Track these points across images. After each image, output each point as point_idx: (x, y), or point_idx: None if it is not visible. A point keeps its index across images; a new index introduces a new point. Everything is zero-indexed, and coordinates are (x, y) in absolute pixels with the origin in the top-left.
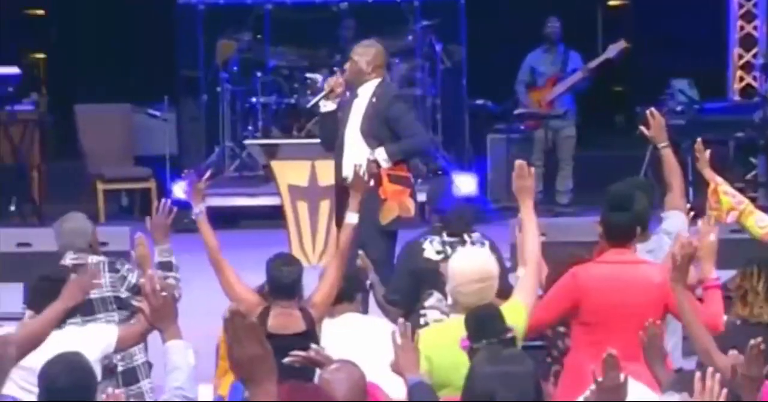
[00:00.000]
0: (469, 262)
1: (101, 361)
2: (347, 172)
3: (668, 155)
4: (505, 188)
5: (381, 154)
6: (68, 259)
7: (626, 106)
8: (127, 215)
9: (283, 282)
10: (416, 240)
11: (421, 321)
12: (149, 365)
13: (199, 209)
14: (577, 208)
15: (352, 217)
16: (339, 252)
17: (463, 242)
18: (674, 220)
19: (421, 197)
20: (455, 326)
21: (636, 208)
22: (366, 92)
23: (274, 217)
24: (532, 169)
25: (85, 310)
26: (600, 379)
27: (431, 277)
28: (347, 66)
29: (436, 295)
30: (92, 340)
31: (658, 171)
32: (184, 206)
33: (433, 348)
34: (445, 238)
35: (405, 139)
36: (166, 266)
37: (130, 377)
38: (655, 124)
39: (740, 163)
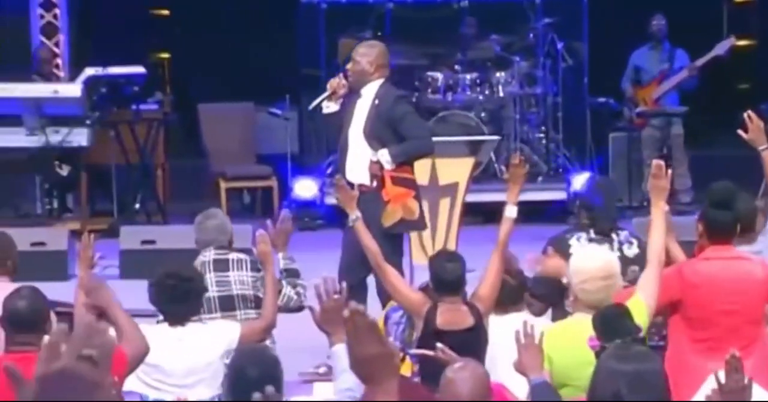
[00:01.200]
0: (594, 260)
1: (224, 358)
2: (351, 174)
3: None
4: (627, 187)
5: (384, 156)
6: (211, 255)
7: (751, 103)
8: (248, 213)
9: (448, 278)
10: (562, 236)
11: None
12: None
13: (355, 215)
14: (700, 206)
15: (511, 211)
16: (499, 245)
17: (611, 240)
18: None
19: (541, 195)
20: (577, 325)
21: (738, 206)
22: (369, 93)
23: None
24: (669, 171)
25: (226, 305)
26: (723, 381)
27: None
28: (349, 66)
29: None
30: (216, 336)
31: None
32: (304, 205)
33: (554, 347)
34: (592, 235)
35: (408, 140)
36: (292, 273)
37: None
38: (753, 128)
39: None
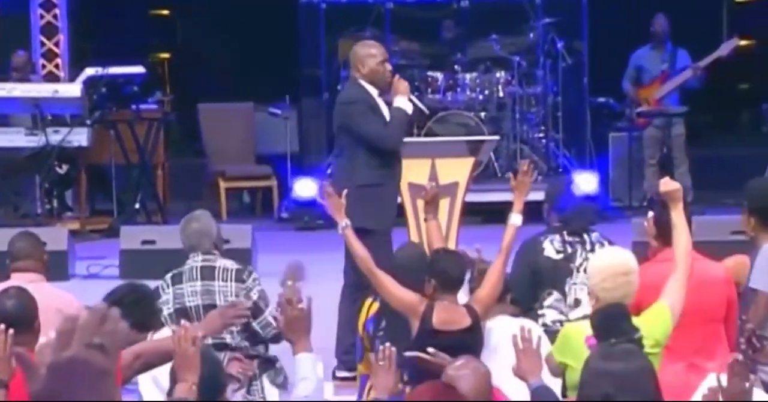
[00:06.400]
0: (611, 257)
1: None
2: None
3: None
4: (627, 187)
5: None
6: (199, 261)
7: (752, 103)
8: (248, 213)
9: (451, 275)
10: (536, 238)
11: (540, 321)
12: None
13: (344, 223)
14: (702, 205)
15: (516, 218)
16: (502, 250)
17: (583, 242)
18: None
19: (541, 195)
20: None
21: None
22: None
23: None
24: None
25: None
26: (725, 385)
27: (550, 276)
28: (388, 66)
29: (556, 294)
30: None
31: None
32: (304, 205)
33: (567, 348)
34: (566, 237)
35: None
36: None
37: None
38: None
39: None
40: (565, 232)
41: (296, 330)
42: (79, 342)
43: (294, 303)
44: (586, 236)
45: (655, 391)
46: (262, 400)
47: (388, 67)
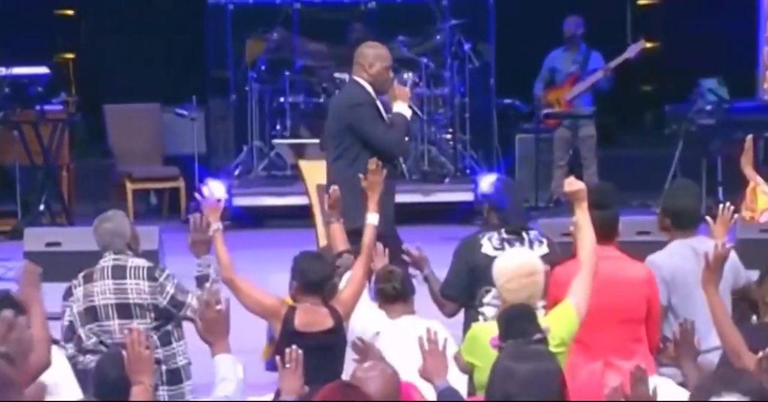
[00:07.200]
0: (515, 259)
1: None
2: None
3: None
4: (533, 188)
5: None
6: (110, 260)
7: (655, 105)
8: (156, 214)
9: (311, 278)
10: (474, 236)
11: (480, 318)
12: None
13: (217, 226)
14: None
15: (372, 218)
16: (364, 251)
17: (522, 239)
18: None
19: (448, 197)
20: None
21: (617, 206)
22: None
23: (302, 216)
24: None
25: (123, 313)
26: (629, 392)
27: (489, 274)
28: (391, 72)
29: (494, 291)
30: None
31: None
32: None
33: (474, 347)
34: (504, 235)
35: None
36: (202, 280)
37: (174, 378)
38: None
39: None
40: (503, 230)
41: (214, 332)
42: None
43: (212, 305)
44: (524, 234)
45: (560, 393)
46: (184, 400)
47: (391, 74)
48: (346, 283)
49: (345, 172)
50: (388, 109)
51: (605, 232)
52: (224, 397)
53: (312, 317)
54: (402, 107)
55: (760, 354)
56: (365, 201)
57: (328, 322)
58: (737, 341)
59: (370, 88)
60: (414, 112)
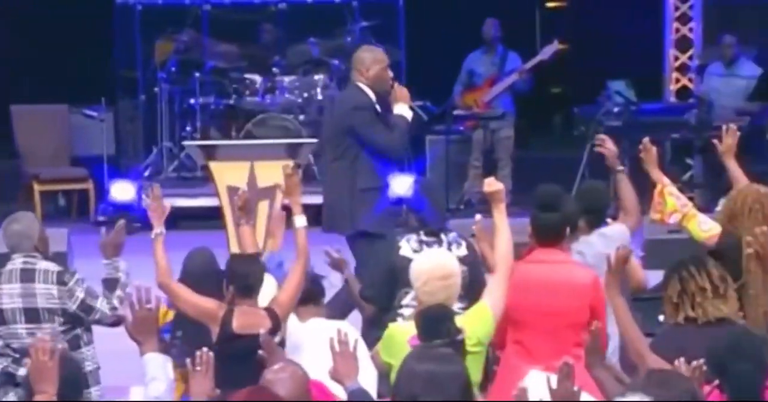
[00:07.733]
0: (431, 261)
1: None
2: None
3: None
4: (445, 190)
5: None
6: (19, 263)
7: (564, 107)
8: (64, 216)
9: (247, 281)
10: (393, 238)
11: (399, 320)
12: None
13: (159, 230)
14: (517, 208)
15: (300, 220)
16: (299, 253)
17: (440, 241)
18: (616, 227)
19: None
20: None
21: (564, 209)
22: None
23: (212, 218)
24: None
25: (31, 317)
26: (554, 387)
27: (407, 276)
28: (390, 73)
29: (413, 293)
30: None
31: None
32: (121, 208)
33: (391, 347)
34: (423, 237)
35: None
36: (110, 284)
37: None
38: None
39: (676, 164)
40: (422, 232)
41: (144, 330)
42: None
43: (143, 303)
44: (443, 236)
45: (463, 394)
46: (115, 400)
47: (390, 74)
48: (284, 284)
49: (342, 174)
50: (388, 110)
51: (550, 236)
52: (155, 397)
53: (250, 319)
54: (403, 109)
55: (694, 363)
56: (362, 204)
57: (266, 324)
58: (640, 343)
59: (370, 92)
60: (415, 113)
